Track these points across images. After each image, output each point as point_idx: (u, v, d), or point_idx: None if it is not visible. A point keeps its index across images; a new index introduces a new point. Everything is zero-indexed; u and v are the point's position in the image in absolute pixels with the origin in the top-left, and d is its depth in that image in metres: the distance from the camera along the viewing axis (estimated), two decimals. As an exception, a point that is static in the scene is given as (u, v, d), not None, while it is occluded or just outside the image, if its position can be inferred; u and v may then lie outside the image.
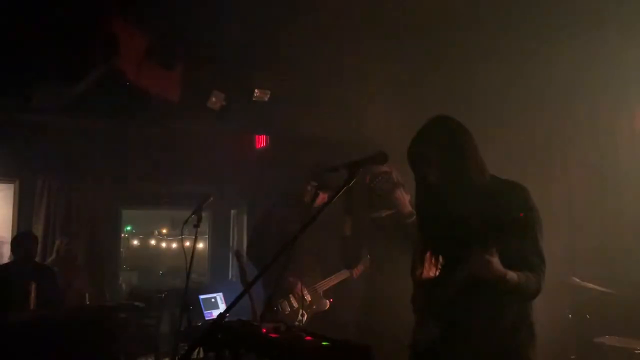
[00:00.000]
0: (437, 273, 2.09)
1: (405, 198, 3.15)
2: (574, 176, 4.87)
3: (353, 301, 3.67)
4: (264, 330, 2.20)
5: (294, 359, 1.89)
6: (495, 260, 1.89)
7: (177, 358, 4.12)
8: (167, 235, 13.13)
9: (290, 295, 3.74)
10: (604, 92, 4.62)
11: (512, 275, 1.94)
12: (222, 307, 5.35)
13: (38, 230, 5.88)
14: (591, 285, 3.57)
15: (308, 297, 3.79)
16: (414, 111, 4.17)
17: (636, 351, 3.37)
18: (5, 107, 4.79)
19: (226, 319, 2.37)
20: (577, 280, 3.61)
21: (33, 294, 4.27)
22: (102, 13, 3.67)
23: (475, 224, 1.95)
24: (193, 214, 4.13)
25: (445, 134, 2.17)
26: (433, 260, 2.11)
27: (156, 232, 13.36)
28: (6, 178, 6.06)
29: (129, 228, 12.36)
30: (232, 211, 7.64)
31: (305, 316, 3.71)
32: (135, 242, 13.03)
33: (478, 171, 2.13)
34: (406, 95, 4.17)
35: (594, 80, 4.49)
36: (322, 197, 3.72)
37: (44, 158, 5.94)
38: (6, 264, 4.93)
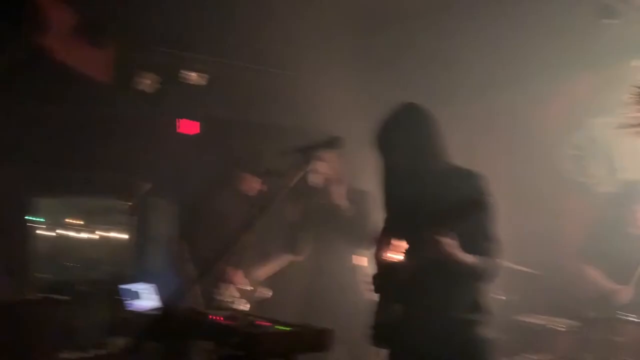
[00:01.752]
0: (398, 255, 2.14)
1: (341, 192, 3.17)
2: (501, 164, 5.14)
3: (297, 288, 3.67)
4: (217, 318, 2.15)
5: (255, 344, 1.86)
6: (450, 243, 1.95)
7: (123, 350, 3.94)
8: (88, 224, 12.47)
9: (231, 285, 3.68)
10: (526, 81, 4.88)
11: (467, 258, 2.02)
12: (150, 298, 5.18)
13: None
14: (521, 268, 3.79)
15: (249, 286, 3.74)
16: (358, 98, 4.23)
17: (558, 327, 3.63)
18: None
19: (172, 309, 2.30)
20: (509, 263, 3.81)
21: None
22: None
23: (434, 208, 2.01)
24: (120, 201, 3.95)
25: (413, 120, 2.24)
26: (394, 242, 2.15)
27: (75, 222, 12.65)
28: None
29: (42, 218, 11.64)
30: (161, 200, 7.39)
31: (248, 305, 3.66)
32: (51, 232, 12.28)
33: (441, 158, 2.22)
34: (352, 81, 4.18)
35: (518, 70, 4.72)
36: (264, 185, 3.68)
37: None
38: None
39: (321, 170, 3.27)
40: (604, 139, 4.57)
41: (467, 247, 2.03)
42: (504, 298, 3.80)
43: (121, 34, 4.06)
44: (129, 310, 5.25)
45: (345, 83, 4.04)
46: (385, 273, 2.21)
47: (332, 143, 2.22)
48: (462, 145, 5.16)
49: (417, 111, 2.27)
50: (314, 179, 3.22)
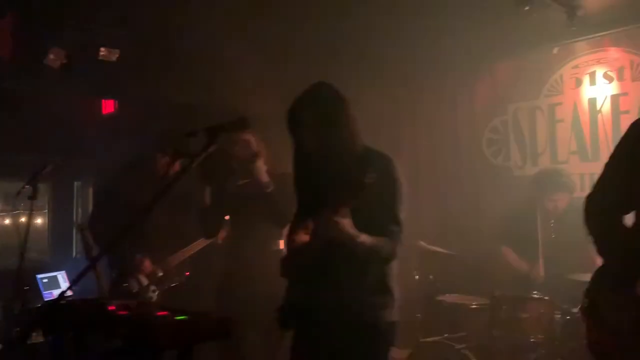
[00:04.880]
0: (305, 237, 2.09)
1: (263, 167, 3.11)
2: (424, 147, 5.21)
3: (212, 272, 3.56)
4: (112, 308, 2.02)
5: (146, 335, 1.75)
6: (345, 222, 1.92)
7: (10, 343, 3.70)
8: (-2, 210, 11.75)
9: (139, 273, 3.51)
10: (449, 67, 4.96)
11: (364, 238, 1.99)
12: (66, 286, 4.94)
13: None
14: (436, 248, 3.85)
15: (160, 272, 3.58)
16: (278, 78, 4.13)
17: (472, 306, 3.72)
18: None
19: (69, 299, 2.15)
20: (424, 244, 3.86)
21: None
22: None
23: (338, 190, 1.97)
24: (27, 184, 3.70)
25: (326, 100, 2.19)
26: (304, 224, 2.10)
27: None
28: None
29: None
30: (76, 183, 7.02)
31: (157, 292, 3.51)
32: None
33: (352, 140, 2.18)
34: (270, 61, 4.07)
35: (440, 55, 4.79)
36: (175, 166, 3.52)
37: None
38: None
39: (240, 149, 3.17)
40: (524, 124, 4.69)
41: (367, 228, 2.00)
42: (417, 277, 3.86)
43: (24, 6, 3.76)
44: (41, 300, 4.98)
45: (262, 64, 3.95)
46: (291, 256, 2.16)
47: (239, 123, 2.13)
48: (386, 128, 5.29)
49: (328, 91, 2.22)
50: (242, 153, 3.13)
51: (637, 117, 1.85)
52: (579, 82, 4.41)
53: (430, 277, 3.99)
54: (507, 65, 4.79)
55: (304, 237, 2.09)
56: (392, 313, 2.17)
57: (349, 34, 4.20)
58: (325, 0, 3.77)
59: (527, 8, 3.50)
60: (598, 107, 4.28)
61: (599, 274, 1.86)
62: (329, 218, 1.91)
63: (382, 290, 2.15)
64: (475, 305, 3.72)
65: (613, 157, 1.86)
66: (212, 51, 4.12)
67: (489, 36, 4.43)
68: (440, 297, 3.84)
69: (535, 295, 3.38)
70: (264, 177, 3.06)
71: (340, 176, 2.01)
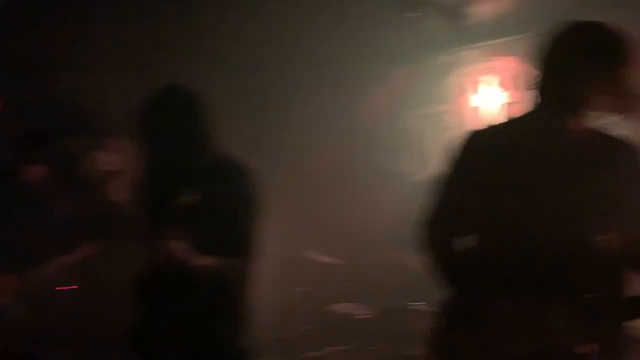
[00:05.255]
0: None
1: (121, 183, 2.87)
2: (317, 155, 5.10)
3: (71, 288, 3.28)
4: None
5: None
6: (177, 245, 1.73)
7: None
8: None
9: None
10: (345, 75, 4.89)
11: (206, 261, 1.80)
12: None
13: None
14: (324, 259, 3.74)
15: (16, 288, 3.26)
16: (133, 79, 3.87)
17: (361, 316, 3.64)
18: None
19: None
20: (312, 253, 3.75)
21: None
22: None
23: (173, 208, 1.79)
24: None
25: (180, 104, 1.97)
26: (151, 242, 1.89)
27: None
28: None
29: None
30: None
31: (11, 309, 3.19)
32: None
33: (206, 147, 1.98)
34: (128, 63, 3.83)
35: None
36: (37, 171, 3.22)
37: None
38: None
39: (101, 161, 2.92)
40: (416, 131, 4.69)
41: (213, 248, 1.83)
42: (301, 290, 3.74)
43: None
44: None
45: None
46: (138, 277, 1.95)
47: (70, 130, 1.90)
48: (279, 136, 5.16)
49: (181, 94, 2.00)
50: (93, 170, 2.87)
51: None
52: (468, 90, 4.45)
53: (323, 288, 3.88)
54: (400, 73, 4.77)
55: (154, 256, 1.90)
56: (246, 338, 1.99)
57: (234, 37, 4.04)
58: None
59: (413, 14, 3.45)
60: (488, 116, 4.34)
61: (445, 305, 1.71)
62: (157, 241, 1.72)
63: (233, 315, 1.97)
64: (363, 315, 3.64)
65: (448, 174, 1.69)
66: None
67: (382, 43, 4.40)
68: (329, 308, 3.74)
69: (418, 306, 3.33)
70: (119, 197, 2.82)
71: (178, 190, 1.84)
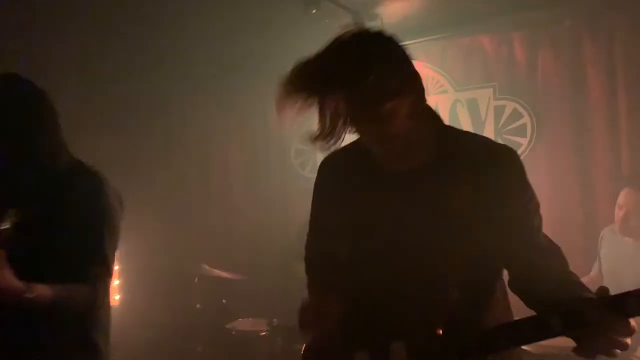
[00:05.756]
0: None
1: None
2: (233, 160, 4.85)
3: None
4: None
5: None
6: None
7: None
8: None
9: None
10: (258, 75, 4.67)
11: (42, 290, 1.48)
12: None
13: None
14: (220, 273, 3.47)
15: None
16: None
17: (261, 334, 3.40)
18: None
19: None
20: (207, 267, 3.46)
21: None
22: None
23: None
24: None
25: (17, 99, 1.65)
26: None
27: None
28: None
29: None
30: None
31: None
32: None
33: (54, 151, 1.67)
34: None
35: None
36: None
37: None
38: None
39: None
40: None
41: (57, 272, 1.53)
42: (198, 306, 3.45)
43: None
44: None
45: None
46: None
47: None
48: (195, 140, 4.86)
49: (23, 87, 1.67)
50: None
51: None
52: (380, 94, 4.32)
53: (223, 301, 3.61)
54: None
55: None
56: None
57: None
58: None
59: (314, 11, 3.26)
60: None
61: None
62: None
63: (83, 348, 1.67)
64: (266, 332, 3.40)
65: (316, 203, 1.53)
66: None
67: (290, 43, 4.20)
68: (229, 325, 3.47)
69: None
70: None
71: (39, 200, 1.54)
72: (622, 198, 2.90)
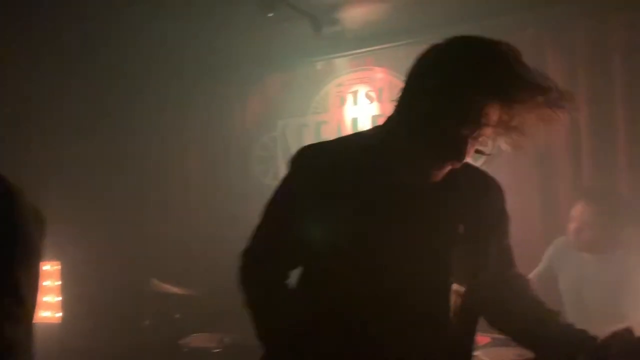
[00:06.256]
0: None
1: None
2: (190, 168, 4.69)
3: None
4: None
5: None
6: None
7: None
8: None
9: None
10: (219, 80, 4.53)
11: None
12: None
13: None
14: (170, 288, 3.31)
15: None
16: None
17: (214, 351, 3.24)
18: None
19: None
20: (157, 282, 3.30)
21: None
22: None
23: None
24: None
25: None
26: None
27: None
28: None
29: None
30: None
31: None
32: None
33: None
34: None
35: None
36: None
37: None
38: None
39: None
40: (292, 141, 4.40)
41: None
42: (147, 323, 3.28)
43: None
44: None
45: None
46: None
47: None
48: (151, 149, 4.69)
49: None
50: None
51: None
52: (343, 101, 4.23)
53: (177, 316, 3.44)
54: (276, 79, 4.47)
55: None
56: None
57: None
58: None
59: (270, 15, 3.14)
60: (360, 128, 4.15)
61: None
62: None
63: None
64: (220, 349, 3.25)
65: (276, 200, 1.42)
66: None
67: (256, 48, 4.09)
68: (182, 341, 3.31)
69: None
70: None
71: None
72: (575, 211, 2.84)
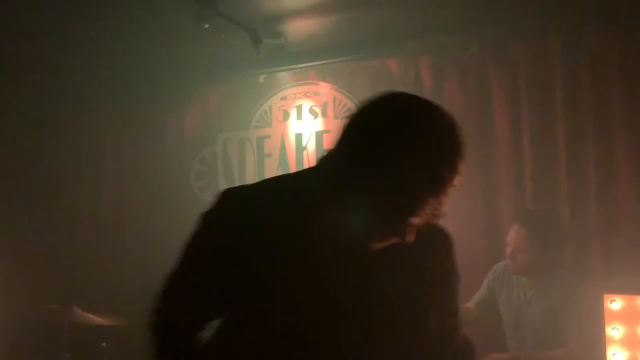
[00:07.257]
0: None
1: None
2: (125, 184, 4.44)
3: None
4: None
5: None
6: None
7: None
8: None
9: None
10: (159, 91, 4.34)
11: None
12: None
13: None
14: (93, 318, 3.06)
15: None
16: None
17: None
18: None
19: None
20: (79, 312, 3.05)
21: None
22: None
23: None
24: None
25: None
26: None
27: None
28: None
29: None
30: None
31: None
32: None
33: None
34: None
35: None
36: None
37: None
38: None
39: None
40: (233, 155, 4.23)
41: None
42: (68, 356, 3.02)
43: None
44: None
45: None
46: None
47: None
48: (85, 163, 4.42)
49: None
50: None
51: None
52: (286, 115, 4.09)
53: (104, 344, 3.20)
54: (217, 91, 4.29)
55: None
56: None
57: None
58: None
59: (206, 26, 2.98)
60: (304, 144, 4.02)
61: None
62: None
63: None
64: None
65: (197, 246, 1.28)
66: None
67: (197, 58, 3.91)
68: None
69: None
70: None
71: None
72: (510, 235, 2.80)
